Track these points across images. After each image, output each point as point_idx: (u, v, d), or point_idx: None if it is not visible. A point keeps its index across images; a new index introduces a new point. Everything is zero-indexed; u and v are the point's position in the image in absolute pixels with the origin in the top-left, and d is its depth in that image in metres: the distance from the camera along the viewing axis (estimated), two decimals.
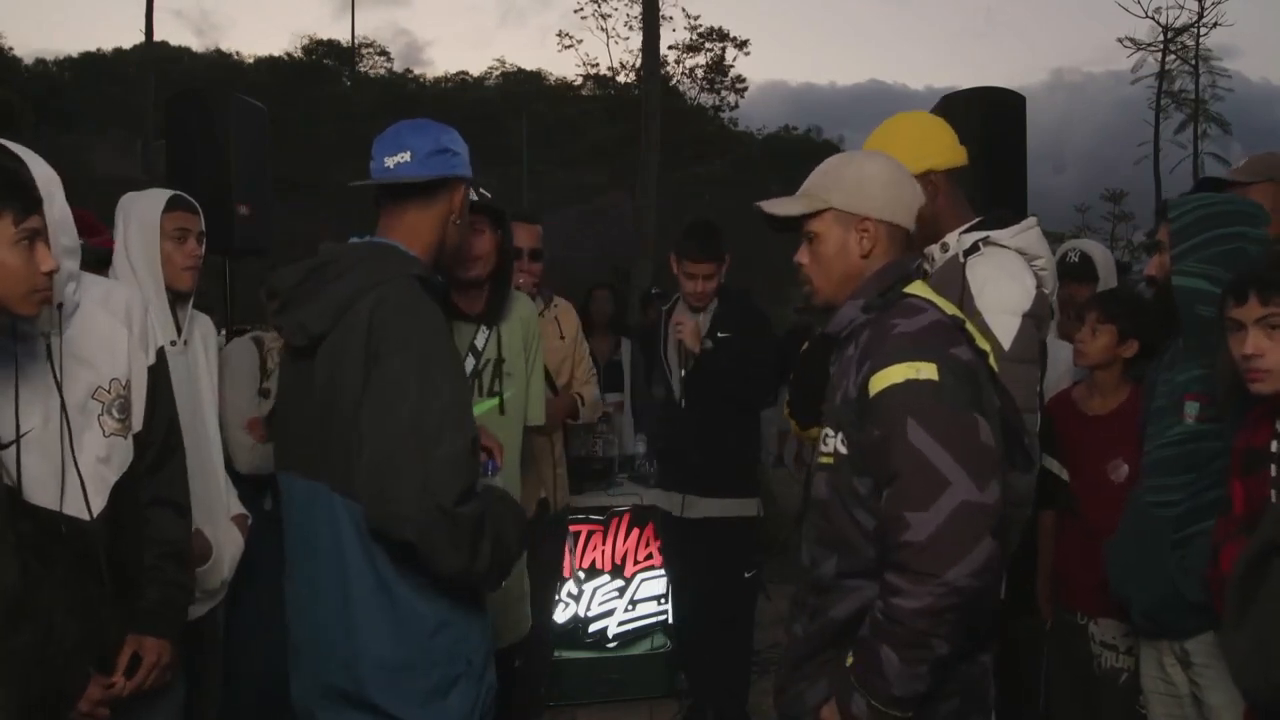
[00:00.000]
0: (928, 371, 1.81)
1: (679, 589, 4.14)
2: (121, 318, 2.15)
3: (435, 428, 1.88)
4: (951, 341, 1.88)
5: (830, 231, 2.03)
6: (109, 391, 2.10)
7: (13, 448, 1.92)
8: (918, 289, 1.99)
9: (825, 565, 1.99)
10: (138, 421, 2.16)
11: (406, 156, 2.13)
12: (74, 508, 2.00)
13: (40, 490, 1.96)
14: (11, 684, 1.80)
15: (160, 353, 2.25)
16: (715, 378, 3.79)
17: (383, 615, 1.98)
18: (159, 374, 2.22)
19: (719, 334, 3.81)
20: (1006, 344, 2.33)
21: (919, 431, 1.78)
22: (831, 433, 1.99)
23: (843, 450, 1.95)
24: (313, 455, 2.03)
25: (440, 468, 1.86)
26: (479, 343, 3.03)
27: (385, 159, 2.14)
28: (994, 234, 2.45)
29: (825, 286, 2.06)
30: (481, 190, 2.84)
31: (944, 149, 2.52)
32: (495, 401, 3.03)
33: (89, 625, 2.02)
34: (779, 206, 2.09)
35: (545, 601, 3.77)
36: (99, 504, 2.04)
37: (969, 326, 1.98)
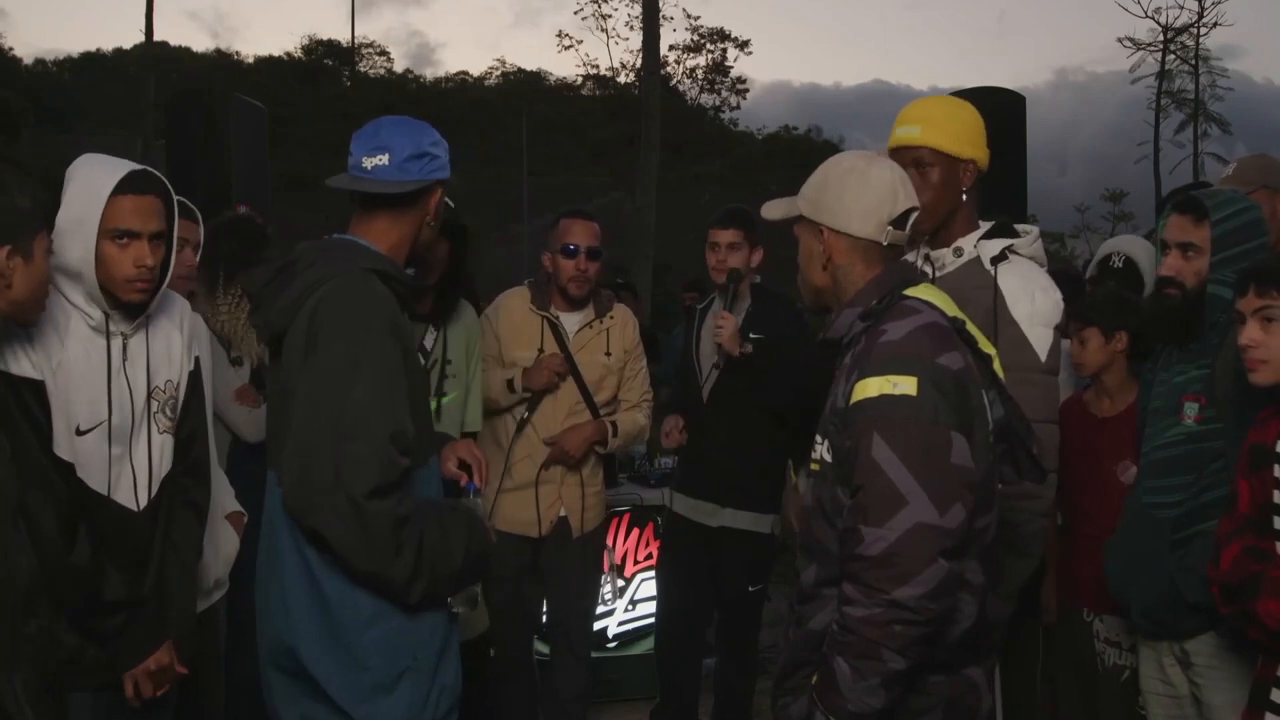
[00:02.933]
0: (906, 385, 1.78)
1: (668, 591, 3.96)
2: (177, 323, 2.36)
3: (354, 421, 1.89)
4: (941, 348, 1.83)
5: (803, 237, 2.03)
6: (164, 392, 2.29)
7: (87, 435, 2.14)
8: (920, 292, 1.95)
9: (806, 573, 1.98)
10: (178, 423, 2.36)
11: (384, 159, 2.07)
12: (125, 498, 2.20)
13: (98, 479, 2.16)
14: (28, 666, 1.88)
15: (198, 360, 2.42)
16: (747, 382, 3.59)
17: (313, 604, 1.99)
18: (196, 379, 2.40)
19: (751, 335, 3.60)
20: (1043, 356, 2.34)
21: (883, 447, 1.76)
22: (820, 440, 1.97)
23: (828, 458, 1.93)
24: (274, 448, 2.11)
25: (354, 461, 1.87)
26: (427, 343, 3.08)
27: (364, 159, 2.09)
28: (1015, 243, 2.44)
29: (804, 290, 2.07)
30: (447, 200, 2.87)
31: (985, 148, 2.50)
32: (434, 403, 3.04)
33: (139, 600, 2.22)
34: (770, 209, 2.10)
35: (572, 621, 3.62)
36: (145, 498, 2.24)
37: (971, 329, 1.94)
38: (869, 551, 1.74)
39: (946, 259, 2.49)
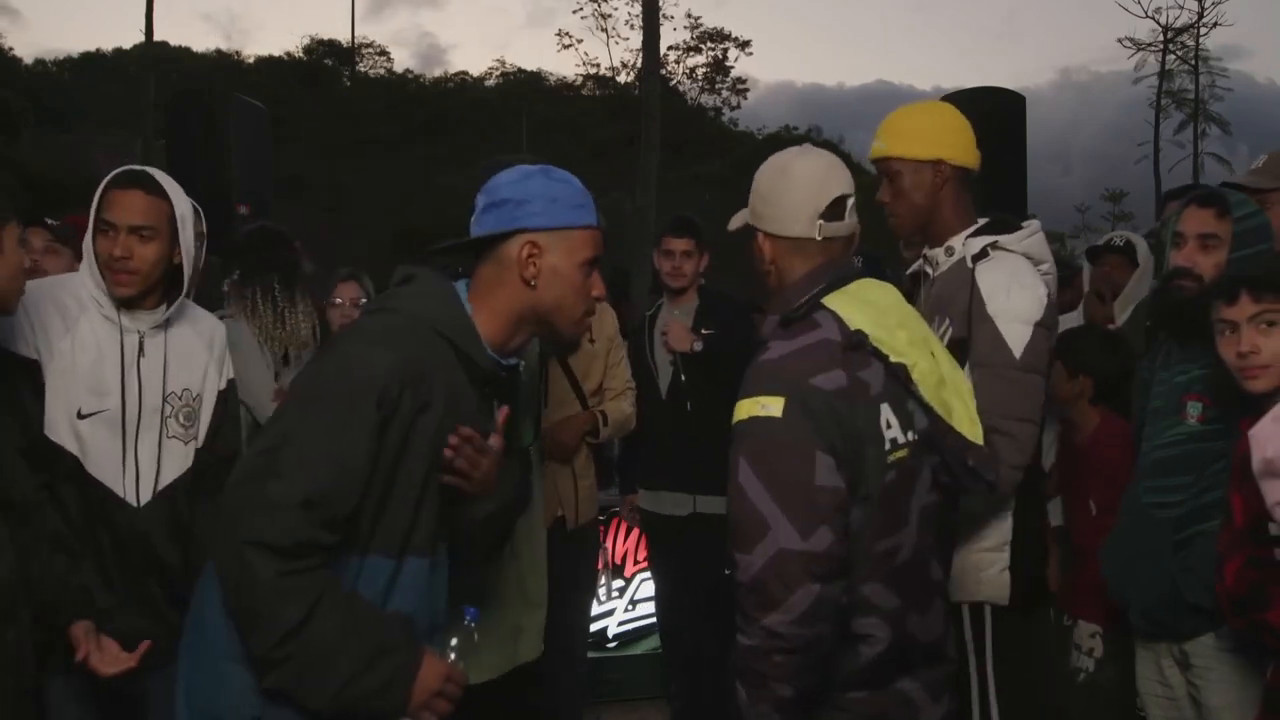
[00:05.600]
0: (773, 406, 1.75)
1: (660, 587, 4.12)
2: (205, 340, 2.44)
3: (273, 464, 1.68)
4: (819, 368, 1.78)
5: (760, 244, 2.00)
6: (180, 399, 2.33)
7: (87, 420, 2.19)
8: (834, 300, 1.87)
9: None
10: (201, 435, 2.38)
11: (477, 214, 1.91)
12: (124, 491, 2.23)
13: (99, 467, 2.20)
14: (4, 673, 1.88)
15: (231, 382, 2.47)
16: (708, 373, 3.77)
17: (193, 621, 1.83)
18: (228, 399, 2.45)
19: (702, 330, 3.80)
20: (1018, 352, 2.30)
21: (747, 472, 1.75)
22: None
23: None
24: None
25: (256, 503, 1.66)
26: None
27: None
28: (1002, 239, 2.43)
29: (770, 298, 2.02)
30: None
31: (960, 145, 2.49)
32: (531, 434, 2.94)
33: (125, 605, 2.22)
34: (733, 222, 2.07)
35: (569, 620, 3.57)
36: (146, 495, 2.26)
37: (879, 341, 1.85)
38: (742, 579, 1.74)
39: (940, 259, 2.50)
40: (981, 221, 2.50)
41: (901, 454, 1.84)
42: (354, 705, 1.70)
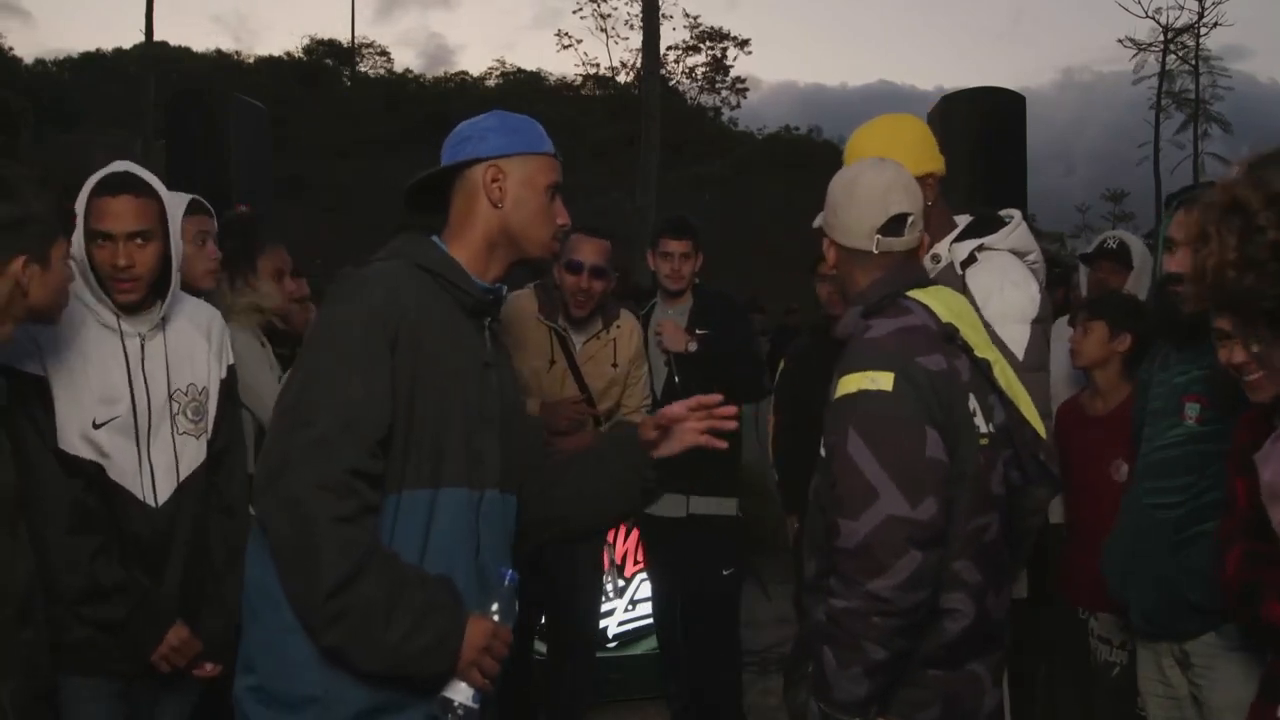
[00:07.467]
0: (883, 381, 1.84)
1: (657, 588, 4.14)
2: (204, 331, 2.41)
3: (304, 405, 1.74)
4: (922, 349, 1.88)
5: (827, 249, 2.13)
6: (186, 394, 2.34)
7: (103, 429, 2.21)
8: (923, 294, 1.98)
9: (809, 567, 2.02)
10: (210, 427, 2.39)
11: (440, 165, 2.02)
12: (143, 493, 2.26)
13: (119, 471, 2.23)
14: (19, 675, 1.88)
15: (231, 369, 2.47)
16: (704, 373, 3.74)
17: (249, 601, 1.85)
18: (229, 387, 2.46)
19: (697, 330, 3.77)
20: (1020, 353, 2.32)
21: (858, 441, 1.82)
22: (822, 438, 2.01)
23: (823, 453, 1.97)
24: None
25: (299, 447, 1.69)
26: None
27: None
28: (988, 240, 2.43)
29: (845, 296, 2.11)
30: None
31: (937, 154, 2.50)
32: None
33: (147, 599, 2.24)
34: (817, 220, 2.15)
35: (574, 620, 3.71)
36: (164, 494, 2.29)
37: (965, 336, 1.95)
38: (846, 544, 1.80)
39: (926, 266, 2.51)
40: (962, 222, 2.50)
41: (984, 441, 1.93)
42: (408, 664, 1.71)
